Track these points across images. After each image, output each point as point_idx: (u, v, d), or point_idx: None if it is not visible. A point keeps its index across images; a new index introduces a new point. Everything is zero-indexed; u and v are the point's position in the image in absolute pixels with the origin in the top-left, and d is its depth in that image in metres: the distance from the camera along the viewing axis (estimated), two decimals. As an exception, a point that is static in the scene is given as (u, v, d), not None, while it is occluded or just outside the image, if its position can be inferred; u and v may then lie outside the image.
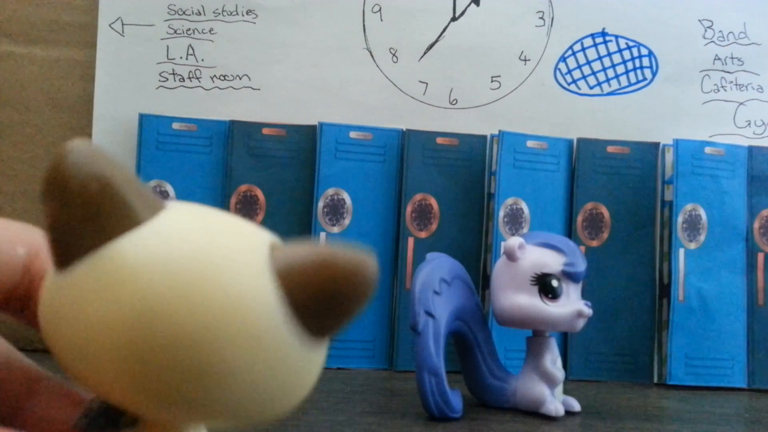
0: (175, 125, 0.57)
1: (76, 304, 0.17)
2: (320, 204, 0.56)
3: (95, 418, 0.20)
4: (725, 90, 0.62)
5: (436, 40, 0.61)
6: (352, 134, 0.57)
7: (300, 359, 0.18)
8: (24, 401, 0.23)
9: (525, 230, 0.56)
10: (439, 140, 0.58)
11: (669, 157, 0.57)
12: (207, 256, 0.17)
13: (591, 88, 0.62)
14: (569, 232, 0.57)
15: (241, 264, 0.17)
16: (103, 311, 0.16)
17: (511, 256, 0.41)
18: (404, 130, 0.58)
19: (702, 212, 0.56)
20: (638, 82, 0.62)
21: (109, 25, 0.59)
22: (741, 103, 0.62)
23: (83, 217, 0.17)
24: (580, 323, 0.41)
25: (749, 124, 0.62)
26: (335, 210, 0.56)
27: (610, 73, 0.62)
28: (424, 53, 0.61)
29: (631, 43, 0.62)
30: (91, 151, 0.17)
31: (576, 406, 0.42)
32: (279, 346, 0.18)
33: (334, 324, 0.18)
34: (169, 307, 0.16)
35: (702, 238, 0.55)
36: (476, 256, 0.57)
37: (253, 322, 0.17)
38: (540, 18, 0.61)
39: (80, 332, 0.17)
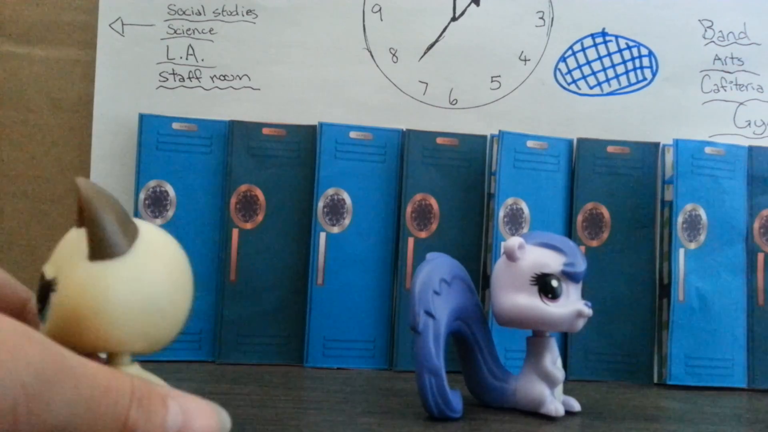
0: (175, 125, 0.57)
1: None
2: (320, 204, 0.56)
3: None
4: (725, 90, 0.62)
5: (436, 40, 0.61)
6: (352, 134, 0.57)
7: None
8: (22, 313, 0.33)
9: (525, 230, 0.56)
10: (439, 140, 0.58)
11: (669, 157, 0.57)
12: (165, 258, 0.29)
13: (591, 88, 0.62)
14: (569, 232, 0.57)
15: (178, 257, 0.30)
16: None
17: (511, 256, 0.41)
18: (404, 130, 0.58)
19: (702, 212, 0.56)
20: (638, 82, 0.62)
21: (109, 25, 0.59)
22: (741, 103, 0.62)
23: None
24: (580, 323, 0.40)
25: (749, 124, 0.62)
26: (335, 210, 0.56)
27: (610, 73, 0.62)
28: (424, 53, 0.61)
29: (631, 43, 0.62)
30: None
31: (576, 406, 0.42)
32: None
33: None
34: (155, 287, 0.28)
35: (702, 238, 0.55)
36: (476, 256, 0.57)
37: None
38: (540, 18, 0.61)
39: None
